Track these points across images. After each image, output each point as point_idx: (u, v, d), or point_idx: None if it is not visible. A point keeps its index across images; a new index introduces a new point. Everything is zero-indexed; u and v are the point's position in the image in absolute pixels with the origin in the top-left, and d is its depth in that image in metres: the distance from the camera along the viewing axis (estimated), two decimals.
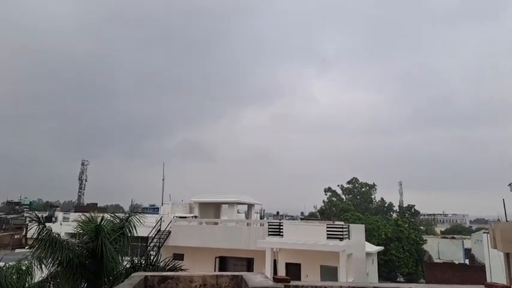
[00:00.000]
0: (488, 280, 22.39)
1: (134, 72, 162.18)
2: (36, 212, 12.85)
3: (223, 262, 22.41)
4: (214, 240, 21.88)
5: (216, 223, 25.01)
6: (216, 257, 22.15)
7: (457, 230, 71.59)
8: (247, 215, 30.40)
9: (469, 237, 44.82)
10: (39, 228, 10.22)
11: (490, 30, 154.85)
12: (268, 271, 18.61)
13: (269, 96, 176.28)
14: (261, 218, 35.83)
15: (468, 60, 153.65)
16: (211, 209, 28.68)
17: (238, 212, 30.78)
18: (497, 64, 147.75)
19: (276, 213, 64.53)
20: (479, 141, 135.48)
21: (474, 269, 28.37)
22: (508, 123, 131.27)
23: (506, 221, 20.62)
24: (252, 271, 21.00)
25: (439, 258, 41.07)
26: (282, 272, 19.31)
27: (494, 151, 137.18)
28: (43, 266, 10.75)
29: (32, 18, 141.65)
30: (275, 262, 19.41)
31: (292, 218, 61.40)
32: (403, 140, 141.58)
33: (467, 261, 37.12)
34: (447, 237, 49.14)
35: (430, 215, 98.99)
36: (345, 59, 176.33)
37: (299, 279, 18.88)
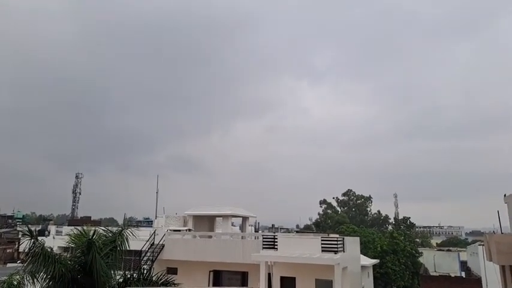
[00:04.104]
0: None
1: (126, 87, 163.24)
2: (29, 226, 12.75)
3: (218, 276, 22.18)
4: (208, 253, 21.70)
5: (210, 236, 24.85)
6: (210, 271, 21.94)
7: (452, 242, 71.53)
8: (242, 227, 30.25)
9: (465, 249, 44.76)
10: (31, 242, 10.14)
11: (476, 43, 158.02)
12: (263, 285, 18.45)
13: (262, 109, 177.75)
14: (255, 231, 35.66)
15: (458, 73, 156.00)
16: (206, 222, 28.52)
17: (232, 225, 30.61)
18: (484, 76, 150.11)
19: (271, 225, 64.25)
20: (473, 152, 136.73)
21: (470, 282, 28.29)
22: (500, 133, 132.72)
23: (501, 233, 20.66)
24: (247, 285, 20.86)
25: (435, 270, 40.89)
26: (276, 286, 19.14)
27: (488, 162, 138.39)
28: (35, 280, 10.62)
29: (26, 35, 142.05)
30: (269, 276, 19.25)
31: (288, 230, 61.07)
32: (397, 152, 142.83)
33: (463, 274, 36.99)
34: (443, 250, 49.00)
35: (425, 227, 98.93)
36: (338, 72, 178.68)
37: None
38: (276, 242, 19.98)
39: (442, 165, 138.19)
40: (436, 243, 71.64)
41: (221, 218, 28.18)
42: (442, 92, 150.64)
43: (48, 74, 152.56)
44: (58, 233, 30.40)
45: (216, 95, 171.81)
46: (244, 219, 29.44)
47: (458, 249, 48.26)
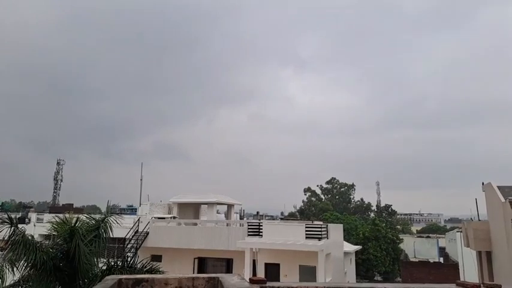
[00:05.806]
0: (461, 278, 23.10)
1: (109, 73, 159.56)
2: (8, 213, 12.44)
3: (202, 263, 22.28)
4: (193, 241, 21.73)
5: (195, 224, 24.84)
6: (195, 258, 22.00)
7: (432, 229, 73.35)
8: (227, 215, 30.31)
9: (443, 236, 46.04)
10: (11, 230, 9.90)
11: (459, 35, 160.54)
12: (247, 271, 18.62)
13: (247, 97, 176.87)
14: (240, 218, 35.78)
15: (439, 64, 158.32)
16: (191, 210, 28.45)
17: (217, 213, 30.64)
18: (466, 68, 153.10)
19: (256, 213, 64.54)
20: (452, 142, 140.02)
21: (448, 267, 29.18)
22: (479, 124, 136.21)
23: (479, 220, 21.31)
24: (231, 272, 21.01)
25: (415, 256, 42.02)
26: (261, 272, 19.36)
27: (467, 151, 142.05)
28: (15, 269, 10.40)
29: (5, 19, 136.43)
30: (254, 262, 19.44)
31: (272, 218, 61.45)
32: (380, 141, 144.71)
33: (441, 260, 38.13)
34: (423, 236, 50.28)
35: (406, 214, 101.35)
36: (322, 61, 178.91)
37: (278, 279, 18.97)
38: (261, 229, 20.14)
39: (423, 155, 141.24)
40: (416, 230, 73.46)
41: (206, 205, 28.16)
42: (423, 83, 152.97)
43: (28, 59, 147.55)
44: (39, 220, 29.81)
45: (200, 82, 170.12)
46: (230, 206, 29.50)
47: (437, 235, 49.61)
